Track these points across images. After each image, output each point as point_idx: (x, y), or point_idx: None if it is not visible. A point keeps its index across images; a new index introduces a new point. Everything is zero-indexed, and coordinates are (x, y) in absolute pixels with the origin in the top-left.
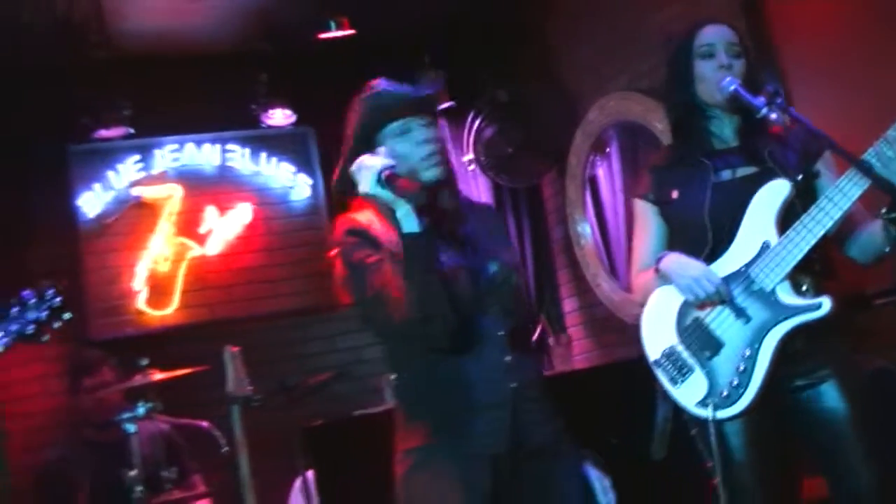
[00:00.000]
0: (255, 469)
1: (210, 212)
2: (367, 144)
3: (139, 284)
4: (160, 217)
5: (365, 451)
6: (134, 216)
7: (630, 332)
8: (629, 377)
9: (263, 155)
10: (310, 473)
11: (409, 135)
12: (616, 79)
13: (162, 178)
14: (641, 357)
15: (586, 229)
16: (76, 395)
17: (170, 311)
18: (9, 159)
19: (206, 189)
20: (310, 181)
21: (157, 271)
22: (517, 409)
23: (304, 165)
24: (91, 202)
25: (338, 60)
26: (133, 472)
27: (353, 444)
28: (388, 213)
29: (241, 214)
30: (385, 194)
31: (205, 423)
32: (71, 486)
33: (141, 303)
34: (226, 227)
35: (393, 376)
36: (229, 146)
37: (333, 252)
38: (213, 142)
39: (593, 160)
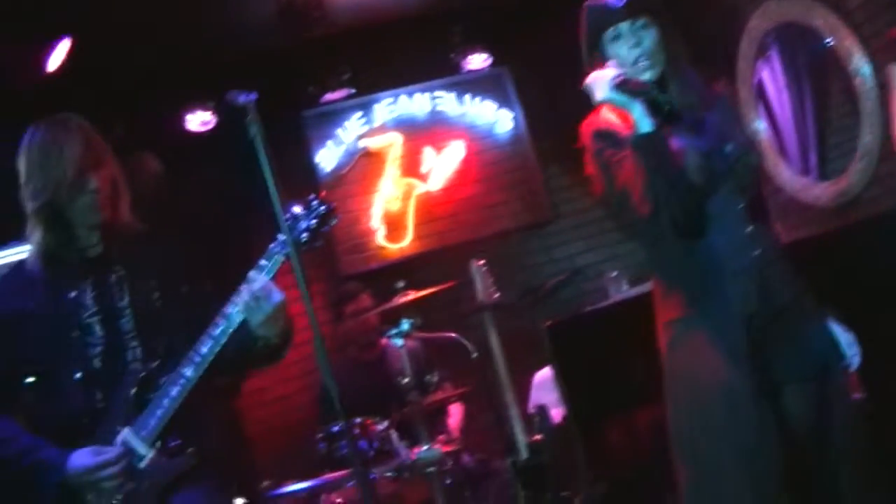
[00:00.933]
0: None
1: (428, 152)
2: (593, 52)
3: (376, 223)
4: (386, 163)
5: (603, 340)
6: (364, 165)
7: (812, 213)
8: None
9: (467, 97)
10: (548, 369)
11: (619, 40)
12: None
13: (383, 128)
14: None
15: (761, 126)
16: (340, 322)
17: (405, 243)
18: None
19: (422, 133)
20: (511, 114)
21: (390, 210)
22: (762, 274)
23: (503, 101)
24: (326, 158)
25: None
26: (406, 380)
27: (592, 336)
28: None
29: (455, 151)
30: (619, 98)
31: (453, 334)
32: (343, 399)
33: (380, 239)
34: (443, 164)
35: (648, 256)
36: (437, 93)
37: (585, 153)
38: (423, 91)
39: (758, 64)
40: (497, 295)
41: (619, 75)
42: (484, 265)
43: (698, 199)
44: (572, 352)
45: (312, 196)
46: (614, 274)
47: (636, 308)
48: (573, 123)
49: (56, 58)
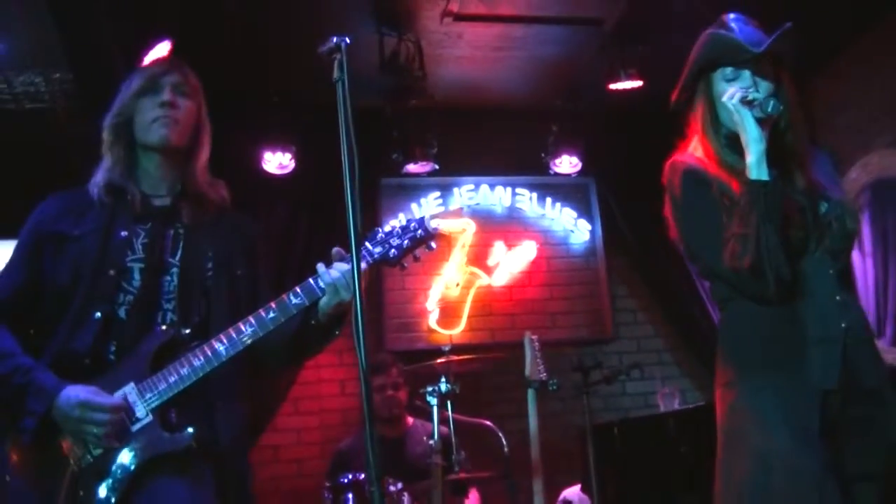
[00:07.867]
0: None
1: (498, 247)
2: (699, 77)
3: (432, 305)
4: (454, 248)
5: (645, 449)
6: None
7: None
8: None
9: (549, 200)
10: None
11: (735, 82)
12: (880, 136)
13: (458, 213)
14: None
15: None
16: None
17: (457, 331)
18: (329, 191)
19: (496, 226)
20: (589, 227)
21: (448, 295)
22: (848, 349)
23: (584, 212)
24: None
25: (626, 115)
26: (433, 442)
27: (640, 443)
28: (728, 161)
29: (526, 252)
30: (742, 112)
31: (488, 423)
32: (357, 471)
33: (432, 321)
34: (512, 261)
35: (721, 308)
36: (518, 190)
37: (666, 191)
38: (505, 185)
39: None
40: (544, 374)
41: (746, 92)
42: (536, 339)
43: (790, 267)
44: (617, 456)
45: (413, 218)
46: (667, 390)
47: (692, 420)
48: (649, 248)
49: None
